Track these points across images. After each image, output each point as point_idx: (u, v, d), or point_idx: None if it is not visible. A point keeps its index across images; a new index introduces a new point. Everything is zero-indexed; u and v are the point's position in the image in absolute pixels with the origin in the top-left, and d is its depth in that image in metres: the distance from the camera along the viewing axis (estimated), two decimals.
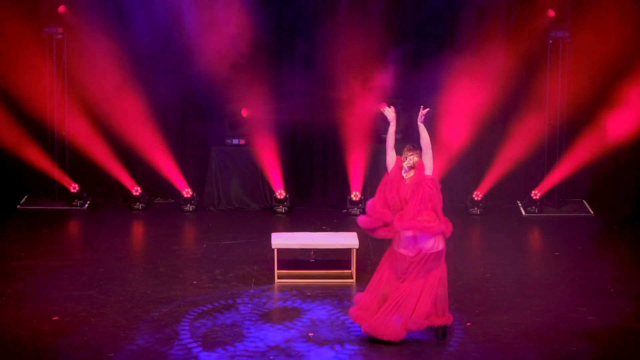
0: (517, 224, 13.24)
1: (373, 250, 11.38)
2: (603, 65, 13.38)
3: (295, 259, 11.15)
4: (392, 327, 8.42)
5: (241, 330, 8.89)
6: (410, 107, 13.99)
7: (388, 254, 8.62)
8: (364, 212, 9.44)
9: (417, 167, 8.41)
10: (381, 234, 8.62)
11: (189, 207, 13.81)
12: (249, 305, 9.61)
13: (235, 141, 13.99)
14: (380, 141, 13.58)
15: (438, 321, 8.52)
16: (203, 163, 14.15)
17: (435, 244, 8.42)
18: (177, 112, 14.18)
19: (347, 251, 10.60)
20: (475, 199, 13.72)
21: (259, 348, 8.46)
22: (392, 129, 8.54)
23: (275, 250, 10.53)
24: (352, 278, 10.43)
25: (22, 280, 10.35)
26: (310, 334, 8.82)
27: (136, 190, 13.84)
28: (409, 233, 8.39)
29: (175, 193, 14.03)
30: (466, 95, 13.58)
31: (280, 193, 13.80)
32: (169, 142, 13.97)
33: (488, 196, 13.84)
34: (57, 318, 9.13)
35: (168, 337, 8.69)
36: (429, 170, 8.38)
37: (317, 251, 11.29)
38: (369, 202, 8.64)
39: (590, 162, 13.68)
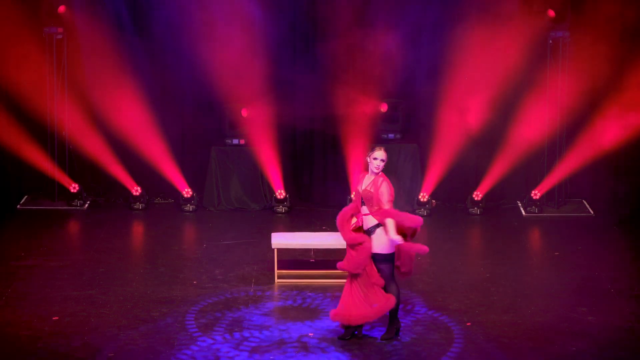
0: (517, 223, 13.24)
1: None
2: (603, 65, 13.38)
3: (295, 259, 11.15)
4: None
5: (241, 330, 8.89)
6: (409, 106, 14.02)
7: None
8: None
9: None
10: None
11: (189, 207, 13.80)
12: (249, 305, 9.61)
13: (235, 141, 13.99)
14: (381, 141, 13.58)
15: None
16: (203, 163, 14.15)
17: None
18: (177, 112, 14.18)
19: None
20: (475, 199, 13.71)
21: (259, 348, 8.46)
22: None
23: (275, 250, 10.53)
24: None
25: (22, 280, 10.35)
26: (310, 334, 8.82)
27: (136, 190, 13.84)
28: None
29: (175, 193, 14.02)
30: (466, 95, 13.58)
31: (280, 193, 13.80)
32: (169, 142, 13.97)
33: (488, 196, 13.84)
34: (57, 318, 9.13)
35: (168, 337, 8.69)
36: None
37: (317, 251, 11.30)
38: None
39: (591, 162, 13.68)
